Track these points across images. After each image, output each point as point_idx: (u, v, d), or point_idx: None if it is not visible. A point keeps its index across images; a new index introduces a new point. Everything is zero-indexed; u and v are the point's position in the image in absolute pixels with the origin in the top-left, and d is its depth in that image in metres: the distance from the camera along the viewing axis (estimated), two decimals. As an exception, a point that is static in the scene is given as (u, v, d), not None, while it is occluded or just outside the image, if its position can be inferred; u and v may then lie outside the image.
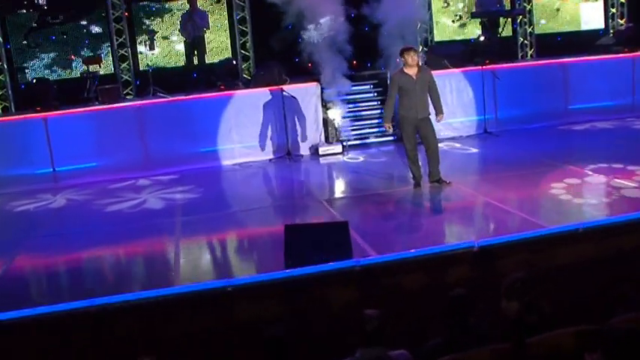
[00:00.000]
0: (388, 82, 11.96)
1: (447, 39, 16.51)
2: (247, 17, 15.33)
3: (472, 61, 14.39)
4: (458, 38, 16.52)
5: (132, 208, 10.48)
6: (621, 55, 15.00)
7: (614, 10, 17.21)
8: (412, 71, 9.92)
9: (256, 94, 13.48)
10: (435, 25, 16.40)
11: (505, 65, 14.52)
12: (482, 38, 15.37)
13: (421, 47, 15.83)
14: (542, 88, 14.49)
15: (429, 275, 6.69)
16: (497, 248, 6.91)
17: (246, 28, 15.35)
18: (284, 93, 13.14)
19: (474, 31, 16.53)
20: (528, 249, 7.02)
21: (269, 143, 13.48)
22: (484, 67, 13.96)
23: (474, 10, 15.65)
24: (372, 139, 13.91)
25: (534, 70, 14.93)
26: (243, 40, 15.40)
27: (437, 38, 16.45)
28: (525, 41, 16.55)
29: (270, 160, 13.32)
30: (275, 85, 13.39)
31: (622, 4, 17.10)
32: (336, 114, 13.60)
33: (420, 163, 10.29)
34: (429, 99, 10.14)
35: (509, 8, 16.29)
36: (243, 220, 9.49)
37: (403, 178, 10.54)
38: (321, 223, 7.38)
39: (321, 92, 13.67)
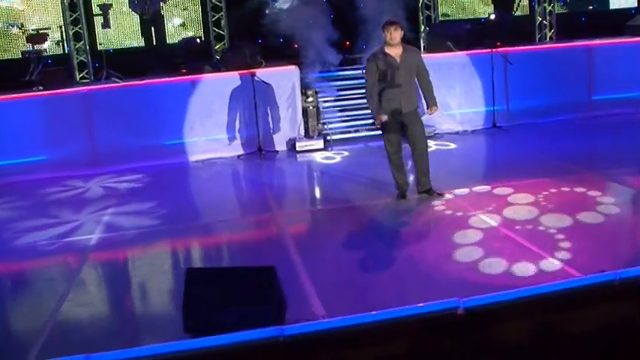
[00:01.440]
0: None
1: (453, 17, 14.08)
2: (222, -10, 13.01)
3: (481, 42, 11.97)
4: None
5: (51, 242, 7.45)
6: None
7: (648, -14, 14.65)
8: (394, 51, 7.56)
9: (223, 80, 11.22)
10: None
11: (519, 48, 12.11)
12: (493, 17, 12.87)
13: (423, 27, 13.45)
14: (562, 75, 12.20)
15: (385, 353, 4.38)
16: (491, 310, 4.57)
17: (220, 2, 12.98)
18: (255, 78, 10.85)
19: (484, 9, 14.10)
20: (538, 310, 4.67)
21: (238, 137, 11.22)
22: (494, 50, 11.55)
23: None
24: (361, 133, 11.56)
25: (553, 54, 12.50)
26: (217, 16, 13.02)
27: (442, 17, 14.01)
28: (544, 21, 13.98)
29: (238, 156, 11.07)
30: (246, 68, 11.08)
31: (658, -22, 14.55)
32: (318, 103, 11.34)
33: (405, 169, 7.98)
34: (417, 87, 7.80)
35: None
36: (164, 244, 7.16)
37: (387, 186, 8.17)
38: (237, 268, 5.08)
39: (302, 78, 11.40)
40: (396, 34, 7.47)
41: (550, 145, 10.26)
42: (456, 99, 11.75)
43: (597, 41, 12.57)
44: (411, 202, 7.78)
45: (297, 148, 11.05)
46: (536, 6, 13.92)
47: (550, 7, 13.90)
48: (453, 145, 10.80)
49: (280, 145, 11.30)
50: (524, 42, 12.93)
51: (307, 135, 11.30)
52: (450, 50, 11.81)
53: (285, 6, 11.87)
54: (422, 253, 6.11)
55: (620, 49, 12.54)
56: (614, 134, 10.93)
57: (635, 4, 14.91)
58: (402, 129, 7.74)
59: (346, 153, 10.77)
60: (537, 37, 13.93)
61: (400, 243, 6.46)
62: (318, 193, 9.23)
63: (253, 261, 6.28)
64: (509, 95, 11.98)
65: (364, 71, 7.82)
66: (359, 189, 8.63)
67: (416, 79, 7.71)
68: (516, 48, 12.00)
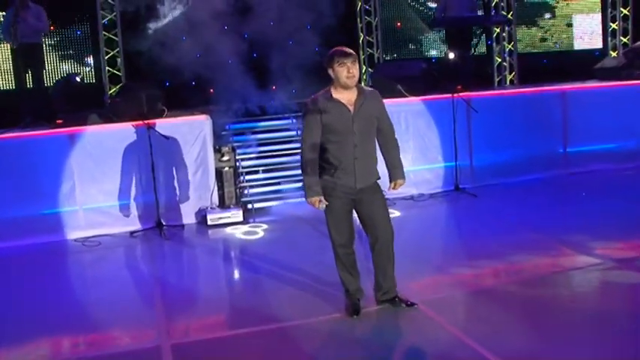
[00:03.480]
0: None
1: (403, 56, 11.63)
2: (117, 20, 10.14)
3: (438, 86, 9.48)
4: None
5: None
6: (637, 81, 10.39)
7: (614, 26, 12.53)
8: (347, 96, 4.85)
9: (111, 133, 8.31)
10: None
11: (484, 93, 9.68)
12: (452, 56, 10.38)
13: (364, 67, 10.91)
14: (534, 124, 9.94)
15: None
16: None
17: (116, 36, 10.14)
18: (153, 131, 8.02)
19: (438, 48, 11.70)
20: None
21: (131, 207, 8.31)
22: (455, 95, 9.07)
23: (436, 17, 10.68)
24: (292, 199, 8.83)
25: (522, 100, 10.12)
26: (112, 53, 10.17)
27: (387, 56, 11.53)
28: (504, 62, 11.65)
29: (132, 233, 8.13)
30: (142, 118, 8.22)
31: (625, 17, 12.42)
32: (236, 162, 8.63)
33: (358, 269, 5.21)
34: (377, 149, 5.10)
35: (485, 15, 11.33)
36: None
37: (332, 286, 5.41)
38: None
39: (215, 130, 8.68)
40: (354, 70, 4.76)
41: (524, 218, 7.75)
42: (410, 154, 9.16)
43: (570, 85, 10.32)
44: (369, 322, 4.98)
45: (209, 222, 8.20)
46: (494, 45, 11.58)
47: (510, 46, 11.57)
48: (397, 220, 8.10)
49: (188, 217, 8.44)
50: (483, 86, 10.56)
51: (222, 204, 8.48)
52: (401, 95, 9.29)
53: (198, 42, 9.28)
54: None
55: (596, 94, 10.34)
56: (595, 199, 8.57)
57: (600, 45, 12.82)
58: (354, 209, 5.03)
59: (270, 228, 7.98)
60: (497, 80, 11.57)
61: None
62: (231, 301, 6.18)
63: None
64: (473, 149, 9.53)
65: (302, 123, 5.07)
66: (291, 293, 5.77)
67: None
68: (481, 93, 9.56)
